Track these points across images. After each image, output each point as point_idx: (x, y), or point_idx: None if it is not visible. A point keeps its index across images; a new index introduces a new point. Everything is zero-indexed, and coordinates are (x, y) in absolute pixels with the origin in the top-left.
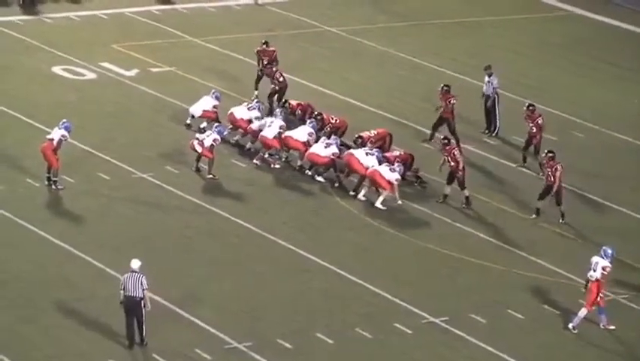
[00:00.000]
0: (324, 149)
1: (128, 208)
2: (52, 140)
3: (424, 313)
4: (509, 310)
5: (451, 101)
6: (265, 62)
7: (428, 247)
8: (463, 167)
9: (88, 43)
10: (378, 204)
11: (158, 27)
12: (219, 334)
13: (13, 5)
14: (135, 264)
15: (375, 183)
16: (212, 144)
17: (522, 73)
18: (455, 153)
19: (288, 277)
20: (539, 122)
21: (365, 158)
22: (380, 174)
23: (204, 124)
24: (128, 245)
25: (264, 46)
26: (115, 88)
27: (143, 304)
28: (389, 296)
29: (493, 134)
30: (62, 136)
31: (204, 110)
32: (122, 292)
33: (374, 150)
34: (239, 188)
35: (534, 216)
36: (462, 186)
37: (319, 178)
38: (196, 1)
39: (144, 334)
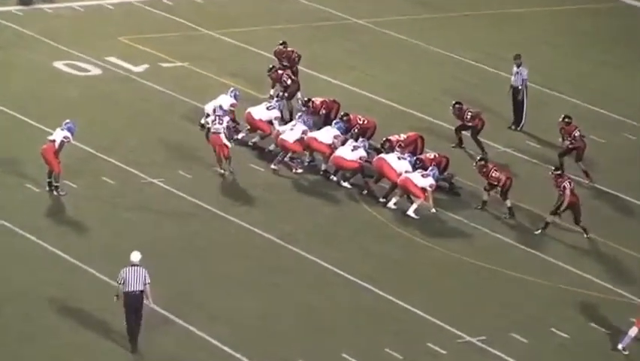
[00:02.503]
0: (350, 152)
1: (136, 216)
2: (53, 141)
3: (459, 332)
4: (553, 329)
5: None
6: (285, 64)
7: (464, 259)
8: (509, 176)
9: (92, 35)
10: (410, 212)
11: (169, 18)
12: (236, 354)
13: None
14: (136, 256)
15: (407, 191)
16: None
17: (561, 68)
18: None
19: (310, 292)
20: (576, 135)
21: (397, 162)
22: (413, 182)
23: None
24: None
25: (282, 46)
26: (122, 85)
27: (143, 300)
28: (421, 313)
29: (518, 129)
30: (64, 138)
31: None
32: (120, 286)
33: (406, 154)
34: (257, 194)
35: (539, 230)
36: (505, 196)
37: (345, 184)
38: None
39: (137, 335)
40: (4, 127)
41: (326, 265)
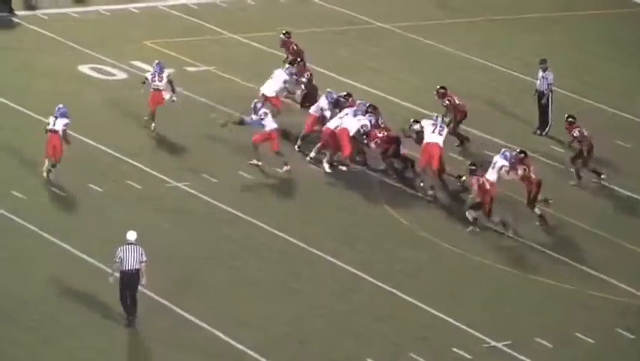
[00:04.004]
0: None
1: (161, 220)
2: (57, 132)
3: (485, 337)
4: (579, 334)
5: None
6: (285, 56)
7: (489, 264)
8: (539, 182)
9: (118, 39)
10: (470, 217)
11: (194, 22)
12: (261, 359)
13: None
14: (132, 235)
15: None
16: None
17: (586, 72)
18: (532, 167)
19: (335, 297)
20: (575, 134)
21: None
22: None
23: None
24: (159, 260)
25: (284, 36)
26: (147, 89)
27: (138, 278)
28: (447, 318)
29: (544, 134)
30: (65, 125)
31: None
32: (117, 264)
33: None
34: (282, 198)
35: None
36: (532, 204)
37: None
38: None
39: (136, 310)
40: (28, 130)
41: (352, 269)
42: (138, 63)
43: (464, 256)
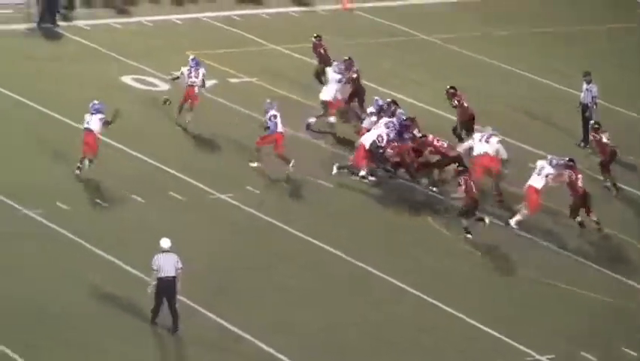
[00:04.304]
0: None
1: (204, 231)
2: (92, 130)
3: (528, 350)
4: (625, 349)
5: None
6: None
7: (532, 276)
8: (585, 193)
9: (160, 50)
10: (513, 223)
11: (237, 33)
12: None
13: (78, 9)
14: (166, 243)
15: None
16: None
17: (632, 85)
18: (574, 176)
19: (376, 308)
20: (596, 138)
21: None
22: (537, 191)
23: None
24: (200, 270)
25: (315, 40)
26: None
27: (175, 285)
28: (490, 330)
29: (587, 146)
30: (101, 119)
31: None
32: (155, 273)
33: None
34: (322, 208)
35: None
36: (575, 214)
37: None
38: (279, 6)
39: (178, 318)
40: (70, 140)
41: (390, 279)
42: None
43: (506, 268)
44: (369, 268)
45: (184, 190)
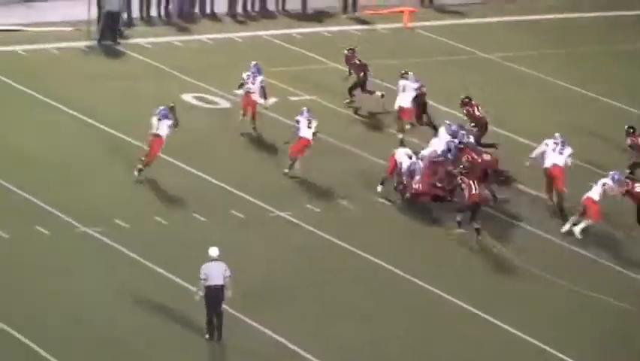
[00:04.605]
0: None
1: (263, 249)
2: (160, 136)
3: None
4: None
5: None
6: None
7: (595, 296)
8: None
9: (221, 68)
10: (577, 232)
11: (297, 51)
12: None
13: (139, 26)
14: (214, 251)
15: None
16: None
17: None
18: (630, 185)
19: (437, 327)
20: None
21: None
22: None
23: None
24: (263, 290)
25: (348, 52)
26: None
27: (223, 292)
28: (539, 344)
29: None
30: (169, 127)
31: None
32: (203, 282)
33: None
34: (381, 226)
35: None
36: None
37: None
38: (340, 24)
39: (222, 327)
40: (132, 159)
41: (441, 292)
42: (242, 92)
43: (560, 284)
44: (422, 283)
45: (244, 208)
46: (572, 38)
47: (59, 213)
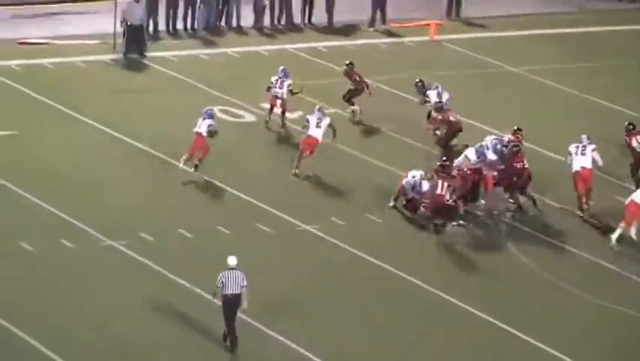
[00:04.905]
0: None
1: (289, 263)
2: (201, 133)
3: None
4: None
5: None
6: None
7: (629, 313)
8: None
9: (247, 81)
10: (633, 234)
11: (323, 65)
12: None
13: (164, 40)
14: (233, 261)
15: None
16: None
17: None
18: None
19: (463, 340)
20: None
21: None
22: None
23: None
24: (289, 304)
25: (347, 67)
26: (277, 131)
27: (239, 301)
28: None
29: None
30: (209, 126)
31: None
32: (219, 289)
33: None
34: (408, 240)
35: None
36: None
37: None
38: (365, 38)
39: (236, 336)
40: (158, 173)
41: (467, 307)
42: (267, 105)
43: (592, 302)
44: (450, 298)
45: (270, 222)
46: (599, 51)
47: (84, 227)
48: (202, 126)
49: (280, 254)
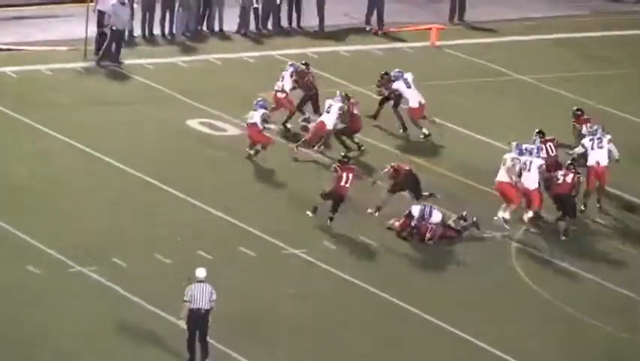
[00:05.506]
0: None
1: (276, 290)
2: (255, 123)
3: None
4: None
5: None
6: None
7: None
8: None
9: (230, 91)
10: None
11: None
12: None
13: (140, 46)
14: (201, 273)
15: None
16: None
17: None
18: None
19: None
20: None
21: None
22: None
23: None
24: (271, 334)
25: (305, 67)
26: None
27: (208, 317)
28: None
29: None
30: (263, 115)
31: None
32: (187, 304)
33: None
34: (403, 267)
35: None
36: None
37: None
38: (360, 43)
39: (208, 349)
40: (132, 192)
41: (476, 341)
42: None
43: (609, 332)
44: (459, 333)
45: (254, 245)
46: (618, 58)
47: (51, 251)
48: (255, 117)
49: (264, 280)
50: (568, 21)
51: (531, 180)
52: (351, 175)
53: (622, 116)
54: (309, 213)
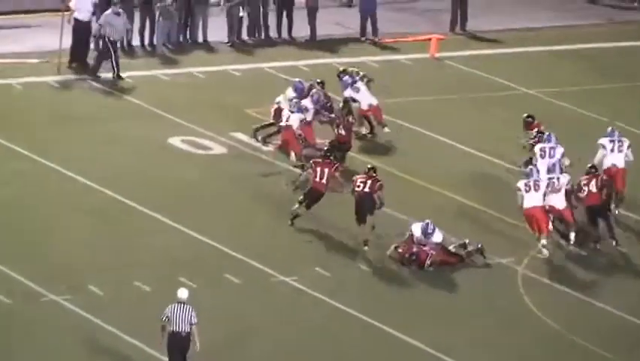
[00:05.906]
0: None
1: (263, 321)
2: (289, 127)
3: None
4: None
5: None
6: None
7: None
8: None
9: (214, 107)
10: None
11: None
12: None
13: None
14: (183, 293)
15: None
16: None
17: None
18: None
19: None
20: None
21: None
22: None
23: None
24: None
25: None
26: (251, 166)
27: (189, 341)
28: None
29: None
30: (300, 119)
31: None
32: (165, 326)
33: None
34: (404, 295)
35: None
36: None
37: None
38: (354, 55)
39: None
40: (110, 215)
41: None
42: (239, 135)
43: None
44: (446, 358)
45: (241, 272)
46: (630, 70)
47: (21, 278)
48: (291, 119)
49: (251, 310)
50: (579, 30)
51: (559, 199)
52: (326, 170)
53: (633, 131)
54: (289, 222)
